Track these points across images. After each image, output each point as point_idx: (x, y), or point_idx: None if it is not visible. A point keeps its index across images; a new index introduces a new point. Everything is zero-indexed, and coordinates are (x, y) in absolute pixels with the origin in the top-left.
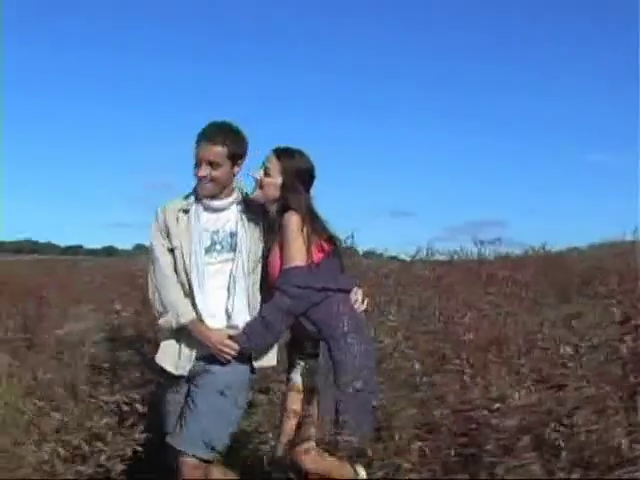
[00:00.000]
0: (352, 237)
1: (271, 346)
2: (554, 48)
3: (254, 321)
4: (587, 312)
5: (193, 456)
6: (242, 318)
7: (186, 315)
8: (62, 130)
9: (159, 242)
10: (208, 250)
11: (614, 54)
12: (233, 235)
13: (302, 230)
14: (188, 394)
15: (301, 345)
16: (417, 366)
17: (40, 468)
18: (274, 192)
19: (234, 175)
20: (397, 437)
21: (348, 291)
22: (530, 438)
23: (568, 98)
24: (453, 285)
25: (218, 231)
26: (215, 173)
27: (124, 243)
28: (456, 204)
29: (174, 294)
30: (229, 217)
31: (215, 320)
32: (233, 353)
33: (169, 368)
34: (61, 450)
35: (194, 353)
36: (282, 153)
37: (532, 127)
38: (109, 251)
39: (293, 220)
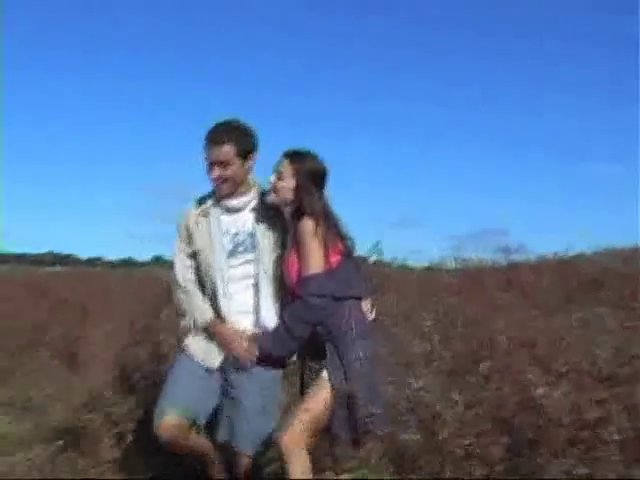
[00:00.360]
0: (377, 245)
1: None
2: (553, 63)
3: (277, 329)
4: (605, 315)
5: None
6: (270, 317)
7: (201, 320)
8: (80, 144)
9: (179, 249)
10: (232, 253)
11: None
12: (253, 235)
13: (317, 234)
14: (226, 391)
15: (309, 345)
16: (482, 367)
17: (117, 463)
18: (288, 195)
19: (247, 171)
20: (444, 434)
21: (361, 297)
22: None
23: (568, 111)
24: (474, 291)
25: (238, 233)
26: (227, 173)
27: (142, 255)
28: (461, 214)
29: (190, 300)
30: (247, 216)
31: (243, 322)
32: (253, 357)
33: (199, 360)
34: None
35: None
36: (293, 155)
37: (532, 140)
38: (127, 263)
39: (308, 225)
